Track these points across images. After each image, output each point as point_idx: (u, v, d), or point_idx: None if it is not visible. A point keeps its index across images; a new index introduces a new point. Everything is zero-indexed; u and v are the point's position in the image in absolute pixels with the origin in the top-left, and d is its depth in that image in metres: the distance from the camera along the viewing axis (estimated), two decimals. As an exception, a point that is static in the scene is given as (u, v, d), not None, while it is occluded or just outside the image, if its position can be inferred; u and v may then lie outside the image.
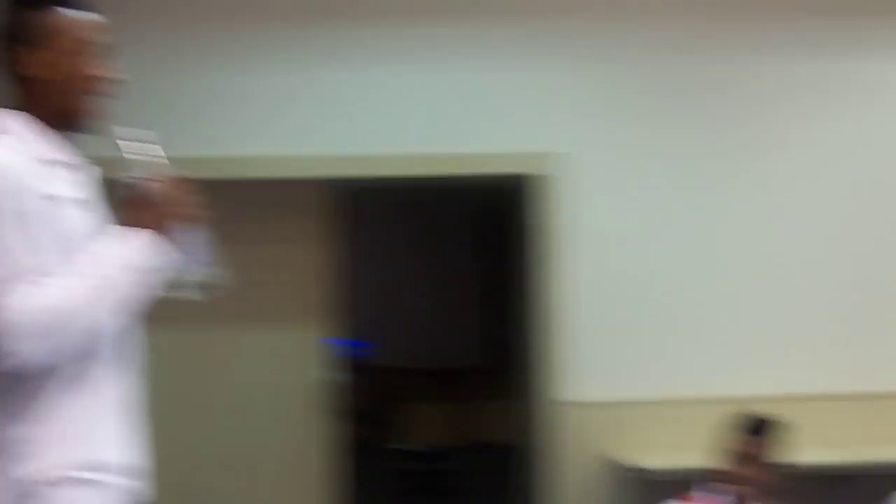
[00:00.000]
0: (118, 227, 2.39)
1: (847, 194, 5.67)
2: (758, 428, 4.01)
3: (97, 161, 2.47)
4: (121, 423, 2.44)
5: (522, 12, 5.54)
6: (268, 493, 5.62)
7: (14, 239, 2.27)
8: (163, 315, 2.68)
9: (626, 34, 5.58)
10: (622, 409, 5.48)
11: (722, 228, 5.62)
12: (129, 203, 2.39)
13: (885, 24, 5.70)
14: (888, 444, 5.49)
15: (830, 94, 5.69)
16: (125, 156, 2.42)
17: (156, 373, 2.86)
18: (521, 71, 5.54)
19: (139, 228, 2.38)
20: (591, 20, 5.57)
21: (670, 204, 5.59)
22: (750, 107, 5.65)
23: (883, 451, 5.41)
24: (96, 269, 2.31)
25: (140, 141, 2.43)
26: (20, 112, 2.41)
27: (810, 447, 5.25)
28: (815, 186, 5.66)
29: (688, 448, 4.94)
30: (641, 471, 5.18)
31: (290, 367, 5.67)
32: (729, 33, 5.64)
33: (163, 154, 2.43)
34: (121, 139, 2.42)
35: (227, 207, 5.46)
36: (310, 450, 5.66)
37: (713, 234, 5.61)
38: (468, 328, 9.83)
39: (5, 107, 2.41)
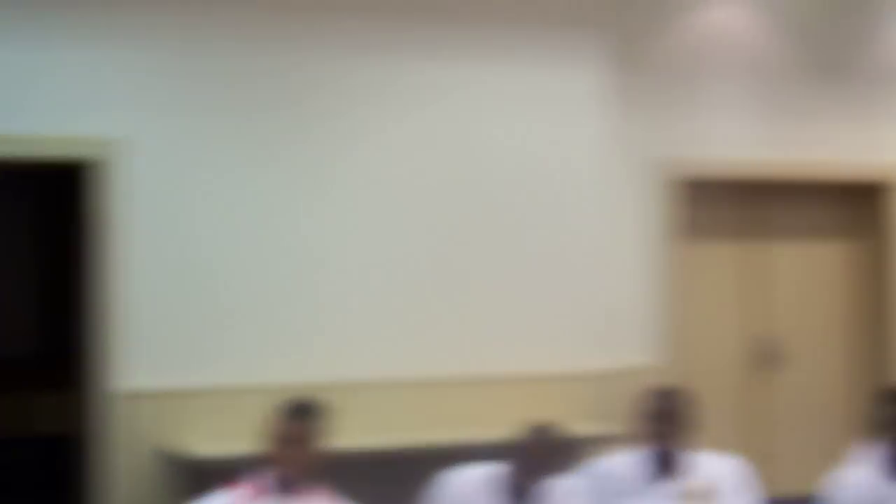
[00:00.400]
0: None
1: (410, 187, 5.94)
2: (300, 411, 4.11)
3: None
4: None
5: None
6: None
7: None
8: None
9: (188, 20, 5.57)
10: (177, 398, 5.47)
11: (274, 218, 5.71)
12: None
13: (455, 27, 6.00)
14: (435, 428, 5.80)
15: (399, 93, 5.94)
16: None
17: None
18: (79, 53, 5.40)
19: None
20: (154, 5, 5.52)
21: (226, 192, 5.63)
22: (306, 97, 5.79)
23: (430, 434, 5.72)
24: None
25: None
26: None
27: (361, 431, 5.48)
28: (377, 177, 5.88)
29: (243, 435, 4.99)
30: (194, 460, 5.19)
31: None
32: (294, 27, 5.75)
33: None
34: None
35: None
36: None
37: (266, 224, 5.70)
38: (23, 317, 9.44)
39: None
